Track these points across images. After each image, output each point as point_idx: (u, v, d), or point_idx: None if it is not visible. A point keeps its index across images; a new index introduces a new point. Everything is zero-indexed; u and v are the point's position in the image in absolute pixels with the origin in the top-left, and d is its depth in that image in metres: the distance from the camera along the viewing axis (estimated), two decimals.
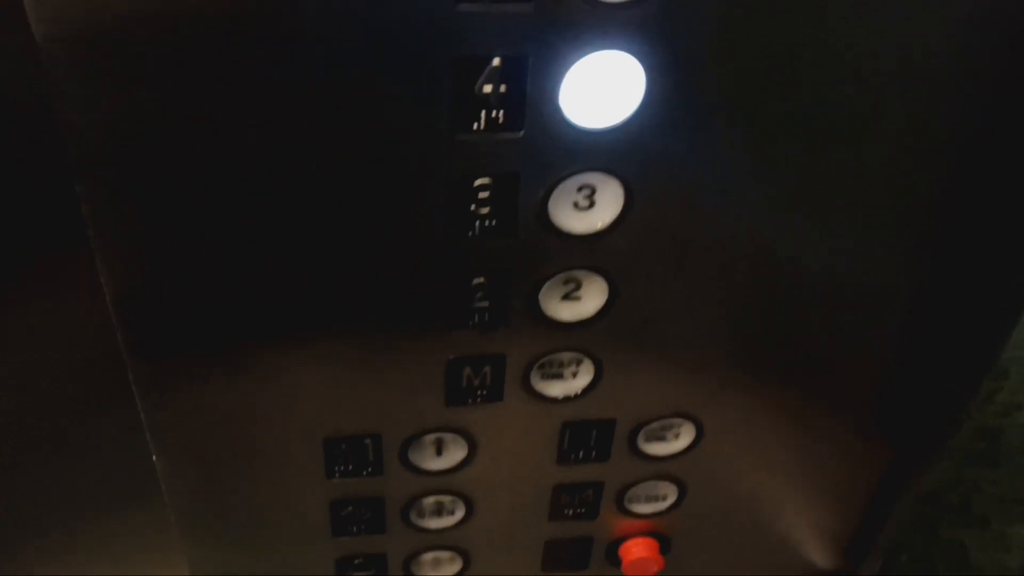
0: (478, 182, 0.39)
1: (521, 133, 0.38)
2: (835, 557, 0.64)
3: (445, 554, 0.58)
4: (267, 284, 0.42)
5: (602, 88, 0.37)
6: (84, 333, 0.46)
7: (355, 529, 0.55)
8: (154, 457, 0.48)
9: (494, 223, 0.40)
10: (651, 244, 0.43)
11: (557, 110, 0.37)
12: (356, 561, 0.58)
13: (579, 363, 0.48)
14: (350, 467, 0.51)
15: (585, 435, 0.51)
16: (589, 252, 0.42)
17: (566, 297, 0.44)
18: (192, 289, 0.42)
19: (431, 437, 0.50)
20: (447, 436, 0.50)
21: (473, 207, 0.40)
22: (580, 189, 0.40)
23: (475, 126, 0.37)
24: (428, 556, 0.58)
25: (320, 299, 0.43)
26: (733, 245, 0.44)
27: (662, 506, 0.57)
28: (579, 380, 0.48)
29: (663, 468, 0.55)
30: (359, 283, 0.42)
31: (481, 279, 0.43)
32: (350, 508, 0.54)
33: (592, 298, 0.44)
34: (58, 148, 0.36)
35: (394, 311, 0.44)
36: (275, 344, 0.45)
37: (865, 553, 0.63)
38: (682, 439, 0.53)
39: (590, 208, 0.41)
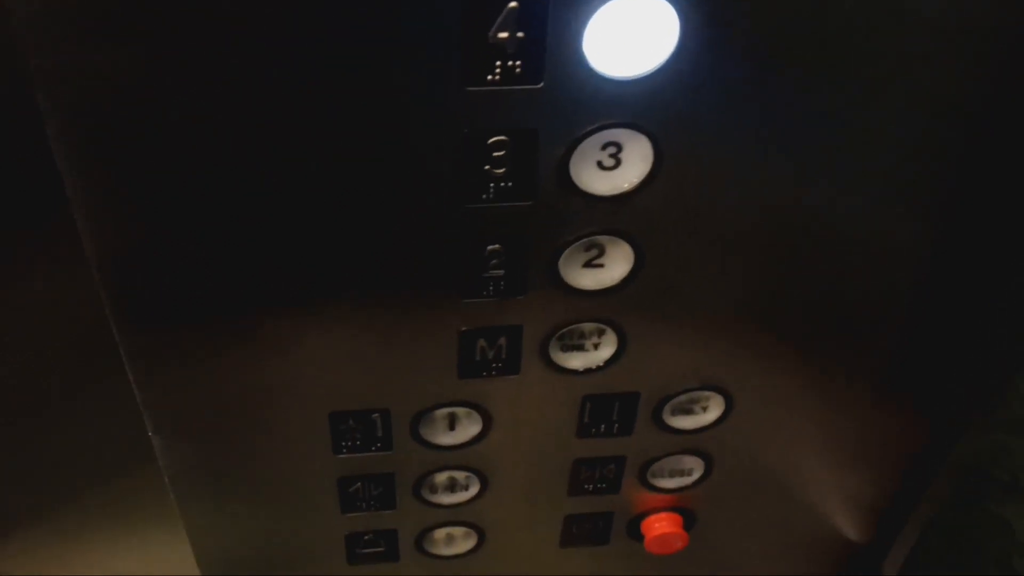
0: (493, 140, 0.36)
1: (540, 85, 0.34)
2: (866, 532, 0.61)
3: (459, 530, 0.55)
4: (267, 250, 0.39)
5: (631, 34, 0.33)
6: (74, 303, 0.43)
7: (364, 506, 0.52)
8: (150, 433, 0.46)
9: (510, 184, 0.37)
10: (680, 207, 0.39)
11: (581, 59, 0.33)
12: (366, 538, 0.55)
13: (601, 334, 0.44)
14: (358, 442, 0.48)
15: (607, 409, 0.48)
16: (613, 215, 0.39)
17: (588, 264, 0.41)
18: (185, 255, 0.39)
19: (443, 411, 0.47)
20: (460, 410, 0.47)
21: (487, 167, 0.36)
22: (605, 147, 0.36)
23: (489, 77, 0.34)
24: (441, 533, 0.56)
25: (324, 267, 0.40)
26: (767, 208, 0.40)
27: (687, 480, 0.54)
28: (601, 351, 0.45)
29: (689, 442, 0.51)
30: (365, 249, 0.39)
31: (496, 245, 0.39)
32: (358, 484, 0.51)
33: (616, 265, 0.41)
34: (36, 114, 0.33)
35: (403, 279, 0.41)
36: (276, 315, 0.42)
37: (899, 528, 0.60)
38: (710, 412, 0.50)
39: (615, 167, 0.37)
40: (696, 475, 0.54)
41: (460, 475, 0.51)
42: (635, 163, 0.37)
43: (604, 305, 0.43)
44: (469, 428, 0.48)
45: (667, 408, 0.49)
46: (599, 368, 0.46)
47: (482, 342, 0.44)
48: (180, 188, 0.36)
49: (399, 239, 0.39)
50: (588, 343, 0.45)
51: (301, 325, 0.42)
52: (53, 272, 0.42)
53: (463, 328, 0.43)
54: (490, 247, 0.39)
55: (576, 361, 0.45)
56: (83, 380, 0.47)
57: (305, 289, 0.41)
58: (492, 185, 0.37)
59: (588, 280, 0.41)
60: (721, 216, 0.40)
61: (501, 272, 0.40)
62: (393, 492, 0.52)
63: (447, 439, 0.49)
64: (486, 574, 0.59)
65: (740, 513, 0.58)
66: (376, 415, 0.47)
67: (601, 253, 0.40)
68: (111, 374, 0.44)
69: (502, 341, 0.44)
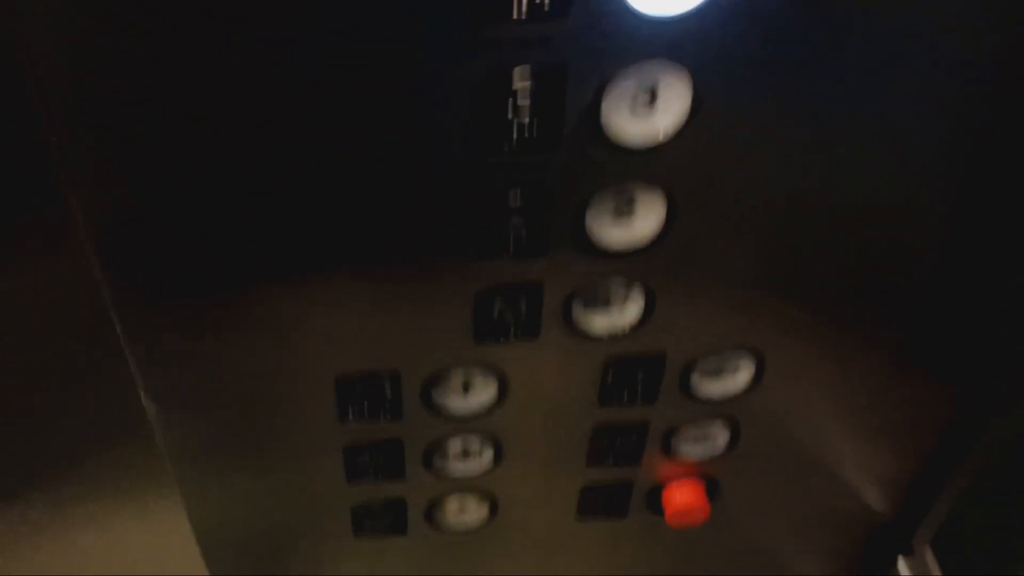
0: (517, 83, 0.32)
1: (568, 19, 0.31)
2: (895, 505, 0.59)
3: (471, 501, 0.53)
4: (269, 202, 0.36)
5: None
6: (69, 269, 0.40)
7: (372, 475, 0.50)
8: (143, 400, 0.43)
9: (535, 132, 0.34)
10: (718, 156, 0.36)
11: None
12: (373, 508, 0.52)
13: (628, 294, 0.41)
14: (365, 408, 0.45)
15: (631, 373, 0.45)
16: (646, 164, 0.36)
17: (617, 217, 0.38)
18: (185, 215, 0.36)
19: (457, 376, 0.44)
20: (475, 374, 0.44)
21: (510, 113, 0.33)
22: (639, 89, 0.33)
23: (512, 13, 0.31)
24: (453, 503, 0.53)
25: (331, 221, 0.37)
26: (810, 158, 0.37)
27: (712, 449, 0.51)
28: (627, 313, 0.42)
29: (717, 408, 0.49)
30: (376, 203, 0.36)
31: (517, 201, 0.36)
32: (366, 453, 0.48)
33: (647, 218, 0.38)
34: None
35: (416, 235, 0.38)
36: (277, 272, 0.39)
37: (931, 501, 0.58)
38: (740, 376, 0.47)
39: (650, 111, 0.34)
40: (722, 443, 0.51)
41: (474, 443, 0.48)
42: (672, 106, 0.34)
43: (632, 262, 0.40)
44: (484, 393, 0.46)
45: (695, 372, 0.46)
46: (624, 331, 0.43)
47: (500, 304, 0.41)
48: (180, 147, 0.33)
49: (413, 194, 0.36)
50: (613, 304, 0.42)
51: (307, 284, 0.39)
52: (47, 252, 0.39)
53: (479, 289, 0.40)
54: (510, 202, 0.36)
55: (600, 323, 0.42)
56: (81, 353, 0.44)
57: (311, 247, 0.38)
58: (515, 132, 0.34)
59: (616, 235, 0.38)
60: (764, 165, 0.37)
61: (522, 229, 0.37)
62: (403, 461, 0.49)
63: (460, 405, 0.46)
64: (498, 546, 0.57)
65: (765, 484, 0.55)
66: (386, 379, 0.44)
67: (631, 205, 0.37)
68: (107, 346, 0.41)
69: (522, 302, 0.41)
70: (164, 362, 0.42)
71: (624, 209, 0.37)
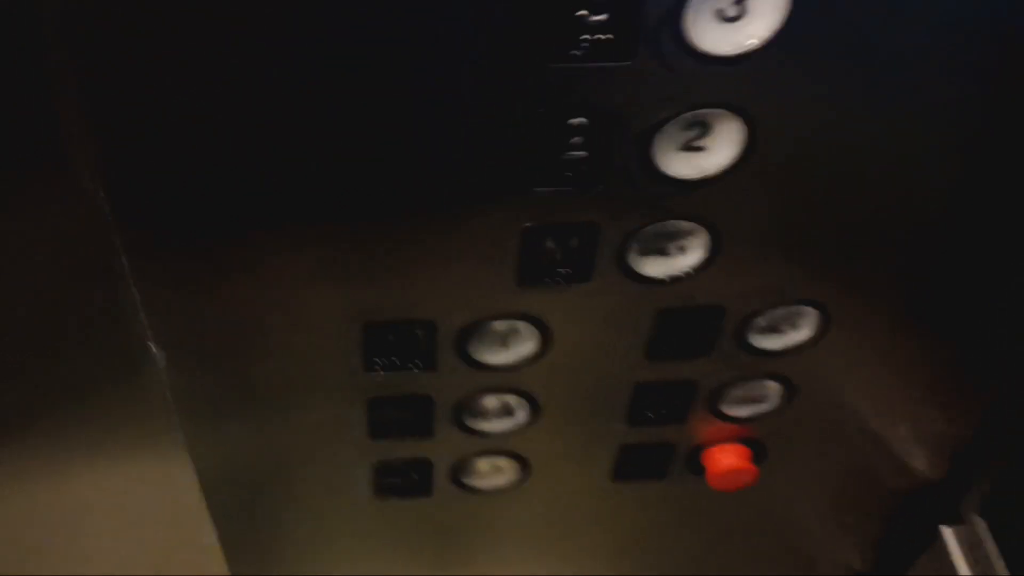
0: None
1: None
2: (944, 471, 0.55)
3: (502, 461, 0.49)
4: (289, 125, 0.31)
5: None
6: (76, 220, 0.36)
7: (398, 432, 0.46)
8: (152, 349, 0.39)
9: (609, 39, 0.29)
10: (808, 75, 0.32)
11: None
12: (396, 467, 0.49)
13: (690, 235, 0.37)
14: (394, 359, 0.41)
15: (684, 325, 0.42)
16: (726, 83, 0.32)
17: (688, 147, 0.33)
18: (195, 141, 0.31)
19: (497, 325, 0.40)
20: (517, 324, 0.40)
21: (581, 13, 0.29)
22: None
23: None
24: (482, 463, 0.49)
25: (357, 141, 0.32)
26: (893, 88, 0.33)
27: (762, 409, 0.48)
28: (688, 257, 0.38)
29: (771, 365, 0.45)
30: (409, 118, 0.32)
31: (581, 119, 0.32)
32: (392, 408, 0.44)
33: (722, 148, 0.34)
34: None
35: (456, 160, 0.33)
36: (298, 205, 0.35)
37: (981, 467, 0.54)
38: (801, 331, 0.43)
39: (737, 19, 0.30)
40: (771, 404, 0.47)
41: (510, 399, 0.45)
42: (762, 12, 0.29)
43: (701, 199, 0.36)
44: (524, 346, 0.42)
45: (754, 325, 0.42)
46: (683, 276, 0.39)
47: (550, 242, 0.37)
48: (194, 78, 0.29)
49: (456, 108, 0.32)
50: (673, 246, 0.38)
51: (331, 220, 0.35)
52: (56, 192, 0.35)
53: (528, 224, 0.36)
54: (573, 120, 0.32)
55: (657, 268, 0.38)
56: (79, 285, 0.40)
57: (333, 171, 0.33)
58: (585, 39, 0.29)
59: (684, 167, 0.34)
60: (852, 89, 0.33)
61: (583, 153, 0.33)
62: (432, 418, 0.45)
63: (498, 358, 0.42)
64: (527, 509, 0.53)
65: (811, 448, 0.52)
66: (419, 328, 0.40)
67: (705, 132, 0.33)
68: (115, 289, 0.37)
69: (575, 241, 0.37)
70: (174, 307, 0.38)
71: (697, 133, 0.33)
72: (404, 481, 0.49)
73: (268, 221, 0.35)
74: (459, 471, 0.49)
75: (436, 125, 0.32)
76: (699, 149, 0.33)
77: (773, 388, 0.46)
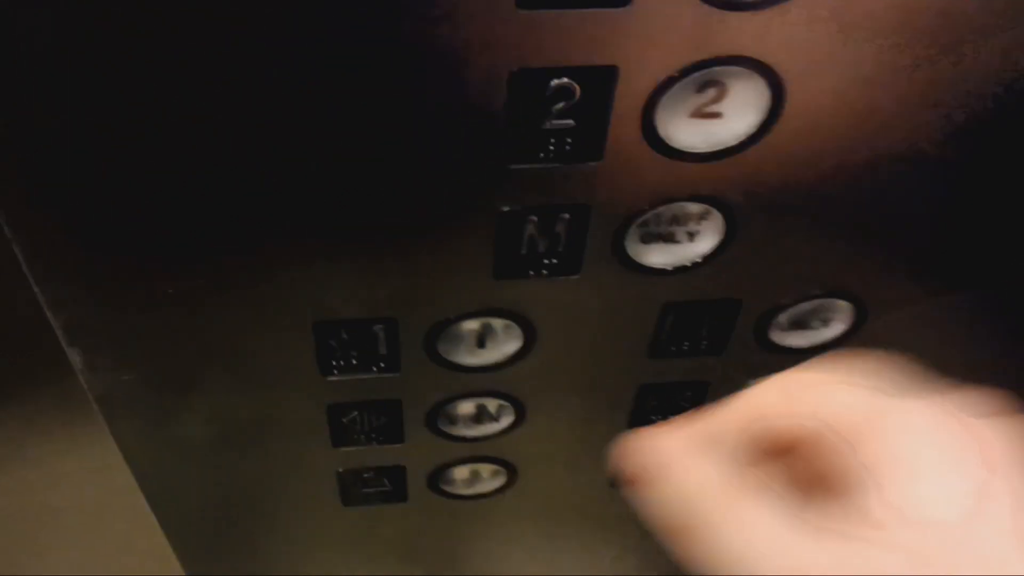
0: None
1: None
2: None
3: (486, 468, 0.43)
4: (244, 101, 0.25)
5: None
6: None
7: (363, 439, 0.40)
8: (67, 350, 0.33)
9: None
10: (840, 29, 0.25)
11: None
12: (364, 476, 0.43)
13: (703, 218, 0.31)
14: (353, 361, 0.35)
15: (695, 320, 0.35)
16: (746, 34, 0.25)
17: (699, 112, 0.27)
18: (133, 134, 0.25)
19: (470, 323, 0.34)
20: (494, 322, 0.34)
21: None
22: None
23: None
24: (462, 471, 0.43)
25: (308, 111, 0.26)
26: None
27: None
28: (699, 243, 0.32)
29: (796, 362, 0.38)
30: (368, 84, 0.25)
31: (565, 80, 0.25)
32: (355, 413, 0.38)
33: (739, 113, 0.27)
34: None
35: (423, 134, 0.27)
36: (249, 193, 0.28)
37: None
38: (832, 327, 0.36)
39: None
40: None
41: (490, 404, 0.39)
42: None
43: (713, 176, 0.29)
44: (505, 345, 0.35)
45: (776, 320, 0.36)
46: (693, 266, 0.32)
47: (532, 227, 0.30)
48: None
49: (420, 67, 0.25)
50: (681, 231, 0.31)
51: (279, 205, 0.29)
52: None
53: (505, 208, 0.29)
54: (556, 82, 0.25)
55: (661, 256, 0.32)
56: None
57: (285, 151, 0.27)
58: None
59: (696, 137, 0.28)
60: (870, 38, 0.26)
61: (570, 122, 0.26)
62: (400, 423, 0.39)
63: (474, 359, 0.36)
64: (513, 514, 0.47)
65: None
66: (379, 327, 0.34)
67: (720, 95, 0.26)
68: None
69: (560, 225, 0.30)
70: (88, 309, 0.32)
71: (711, 97, 0.26)
72: (375, 489, 0.44)
73: (196, 211, 0.29)
74: (436, 478, 0.44)
75: (400, 98, 0.26)
76: (713, 116, 0.27)
77: None
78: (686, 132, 0.27)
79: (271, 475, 0.42)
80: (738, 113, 0.27)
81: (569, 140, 0.27)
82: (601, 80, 0.25)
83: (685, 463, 0.24)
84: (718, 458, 0.24)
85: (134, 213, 0.28)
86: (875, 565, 0.21)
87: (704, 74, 0.26)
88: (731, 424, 0.24)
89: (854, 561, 0.21)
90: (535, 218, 0.30)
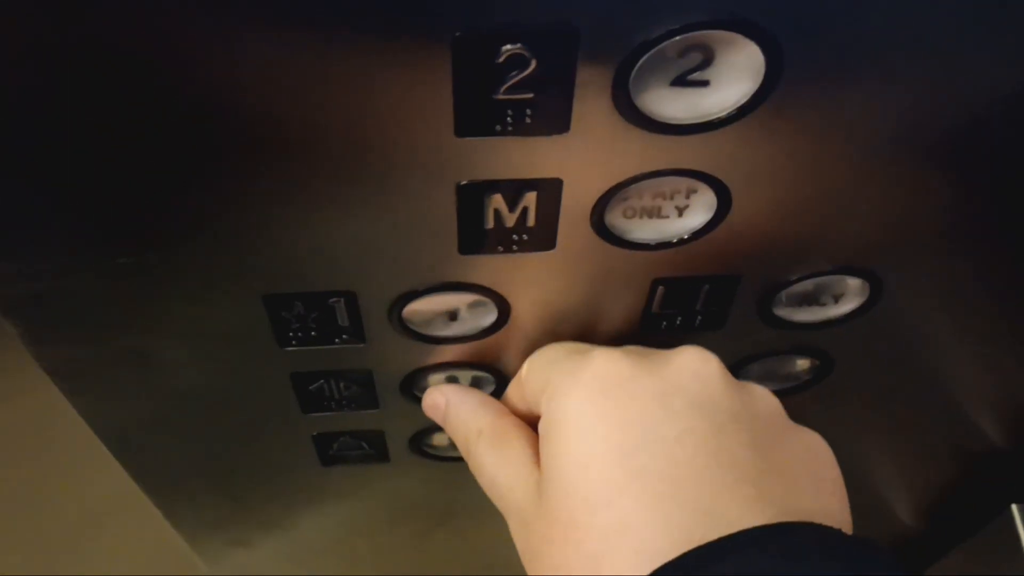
0: None
1: None
2: (1003, 453, 0.46)
3: None
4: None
5: None
6: None
7: (334, 405, 0.37)
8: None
9: None
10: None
11: None
12: (341, 439, 0.40)
13: (692, 193, 0.27)
14: (312, 333, 0.32)
15: (688, 296, 0.32)
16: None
17: (683, 79, 0.23)
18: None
19: (436, 298, 0.31)
20: (463, 297, 0.31)
21: None
22: None
23: None
24: (442, 436, 0.41)
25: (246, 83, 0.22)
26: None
27: (787, 386, 0.38)
28: (688, 218, 0.28)
29: (802, 339, 0.35)
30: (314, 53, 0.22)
31: (518, 46, 0.22)
32: (321, 382, 0.36)
33: (732, 82, 0.23)
34: None
35: (372, 104, 0.23)
36: (191, 157, 0.25)
37: None
38: (844, 304, 0.33)
39: None
40: (802, 380, 0.38)
41: (464, 375, 0.36)
42: None
43: (701, 148, 0.25)
44: (479, 319, 0.32)
45: (782, 296, 0.32)
46: (681, 242, 0.29)
47: (497, 201, 0.27)
48: None
49: (366, 32, 0.22)
50: (669, 205, 0.28)
51: (228, 175, 0.26)
52: None
53: (462, 181, 0.26)
54: (507, 47, 0.21)
55: (647, 231, 0.28)
56: None
57: (227, 124, 0.24)
58: None
59: (679, 108, 0.24)
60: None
61: (529, 95, 0.23)
62: (373, 390, 0.37)
63: (446, 331, 0.33)
64: None
65: (852, 424, 0.42)
66: (336, 300, 0.31)
67: (707, 62, 0.22)
68: None
69: (527, 201, 0.27)
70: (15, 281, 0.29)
71: (696, 62, 0.22)
72: (354, 451, 0.41)
73: (142, 180, 0.25)
74: (418, 441, 0.41)
75: (350, 64, 0.22)
76: (699, 84, 0.23)
77: (804, 364, 0.37)
78: (666, 102, 0.23)
79: (245, 441, 0.40)
80: (726, 81, 0.23)
81: (529, 111, 0.23)
82: (563, 43, 0.21)
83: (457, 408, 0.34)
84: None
85: (78, 182, 0.25)
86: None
87: (687, 39, 0.22)
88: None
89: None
90: (499, 193, 0.26)
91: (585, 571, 0.25)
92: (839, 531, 0.24)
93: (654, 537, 0.24)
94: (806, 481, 0.27)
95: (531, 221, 0.27)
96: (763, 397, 0.29)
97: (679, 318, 0.33)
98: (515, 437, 0.31)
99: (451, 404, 0.34)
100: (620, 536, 0.24)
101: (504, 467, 0.30)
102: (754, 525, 0.23)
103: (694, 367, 0.28)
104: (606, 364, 0.28)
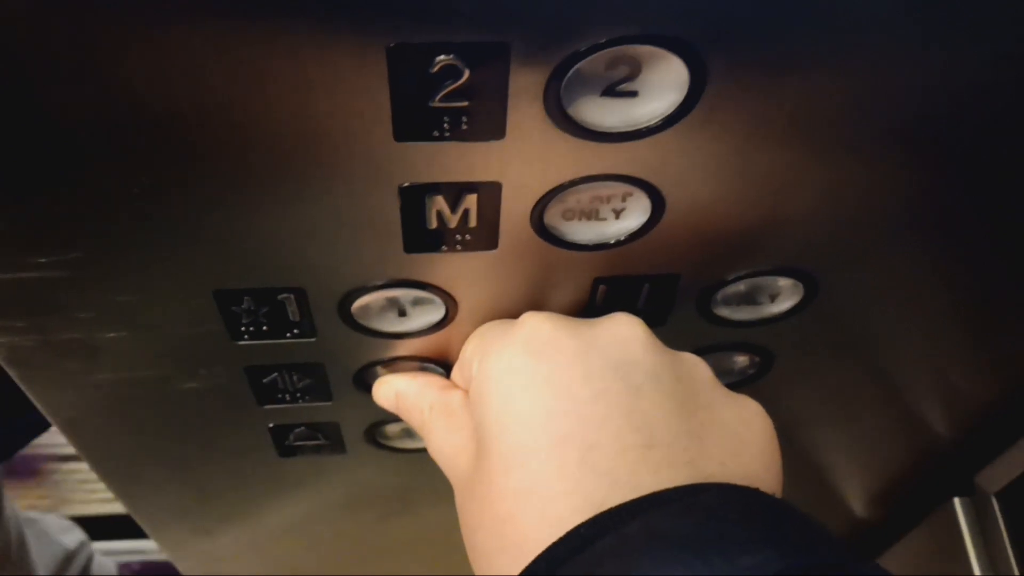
0: None
1: None
2: (947, 448, 0.47)
3: None
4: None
5: None
6: None
7: (288, 397, 0.38)
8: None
9: None
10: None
11: None
12: (296, 430, 0.41)
13: (627, 197, 0.28)
14: (264, 328, 0.33)
15: (628, 295, 0.33)
16: (656, 9, 0.22)
17: (612, 90, 0.24)
18: None
19: (383, 295, 0.32)
20: (411, 294, 0.32)
21: None
22: None
23: None
24: (394, 427, 0.42)
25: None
26: None
27: (730, 380, 0.39)
28: (625, 221, 0.29)
29: (742, 335, 0.36)
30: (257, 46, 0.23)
31: (450, 56, 0.22)
32: (275, 375, 0.37)
33: (658, 92, 0.24)
34: None
35: (311, 102, 0.24)
36: (141, 151, 0.25)
37: (1003, 441, 0.46)
38: (780, 303, 0.34)
39: None
40: (742, 375, 0.39)
41: (416, 368, 0.37)
42: None
43: (633, 154, 0.26)
44: (427, 315, 0.33)
45: (717, 297, 0.33)
46: (619, 243, 0.30)
47: (438, 203, 0.28)
48: None
49: (306, 35, 0.22)
50: (606, 208, 0.29)
51: (176, 171, 0.26)
52: None
53: (404, 183, 0.27)
54: (441, 58, 0.22)
55: (586, 233, 0.29)
56: None
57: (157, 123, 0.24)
58: None
59: (610, 117, 0.25)
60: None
61: (464, 103, 0.23)
62: (326, 383, 0.37)
63: (396, 326, 0.34)
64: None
65: (794, 415, 0.44)
66: (286, 295, 0.32)
67: (634, 74, 0.23)
68: None
69: (468, 203, 0.28)
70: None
71: (624, 74, 0.23)
72: (310, 442, 0.42)
73: (88, 174, 0.26)
74: (373, 432, 0.42)
75: (289, 61, 0.23)
76: (628, 94, 0.24)
77: (744, 360, 0.38)
78: (598, 111, 0.24)
79: (202, 432, 0.41)
80: (655, 92, 0.24)
81: (464, 119, 0.24)
82: (492, 57, 0.22)
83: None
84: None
85: (21, 175, 0.26)
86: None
87: (614, 53, 0.23)
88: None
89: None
90: (440, 195, 0.27)
91: (493, 533, 0.25)
92: (755, 490, 0.24)
93: (557, 503, 0.24)
94: (730, 445, 0.26)
95: (473, 222, 0.28)
96: (692, 363, 0.29)
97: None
98: (459, 407, 0.31)
99: (400, 393, 0.35)
100: (527, 500, 0.24)
101: (449, 436, 0.31)
102: (663, 488, 0.23)
103: (618, 330, 0.28)
104: (534, 326, 0.29)
